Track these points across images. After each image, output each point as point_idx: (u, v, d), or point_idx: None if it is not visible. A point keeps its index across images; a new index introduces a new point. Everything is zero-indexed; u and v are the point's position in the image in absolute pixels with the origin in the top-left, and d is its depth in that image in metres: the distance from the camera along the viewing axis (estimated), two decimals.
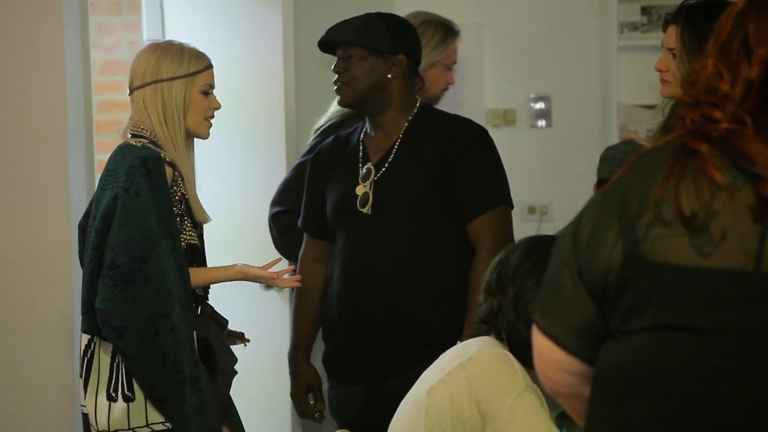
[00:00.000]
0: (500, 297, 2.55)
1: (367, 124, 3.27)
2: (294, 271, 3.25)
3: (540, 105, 4.64)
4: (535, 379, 2.56)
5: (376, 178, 3.18)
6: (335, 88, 3.22)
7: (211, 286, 3.06)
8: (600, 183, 3.97)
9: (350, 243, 3.20)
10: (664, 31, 2.96)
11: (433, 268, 3.14)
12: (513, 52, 4.64)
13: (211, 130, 3.09)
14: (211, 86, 3.04)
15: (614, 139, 4.54)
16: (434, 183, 3.14)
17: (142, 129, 2.98)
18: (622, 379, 1.56)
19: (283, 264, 3.43)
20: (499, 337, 2.56)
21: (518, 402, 2.43)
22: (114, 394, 2.88)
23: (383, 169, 3.19)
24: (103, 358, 2.90)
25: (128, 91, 3.04)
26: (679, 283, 1.50)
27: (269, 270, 3.03)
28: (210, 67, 3.04)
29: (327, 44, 3.22)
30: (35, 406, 3.82)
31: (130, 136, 3.00)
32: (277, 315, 4.18)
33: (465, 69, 4.46)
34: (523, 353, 2.54)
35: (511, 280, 2.55)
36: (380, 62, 3.16)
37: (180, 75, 2.97)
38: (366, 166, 3.21)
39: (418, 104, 3.25)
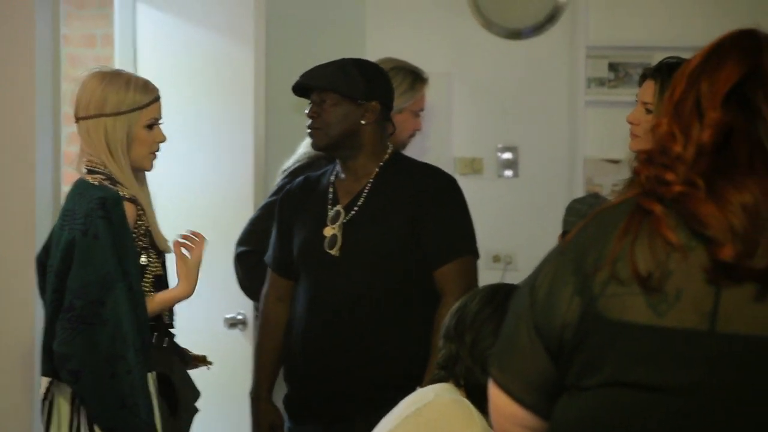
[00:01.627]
0: (458, 343, 2.56)
1: (338, 167, 3.29)
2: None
3: (507, 155, 4.68)
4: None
5: (345, 221, 3.20)
6: (308, 131, 3.24)
7: (175, 317, 3.05)
8: (565, 234, 4.00)
9: (316, 284, 3.21)
10: (640, 85, 2.99)
11: (397, 312, 3.16)
12: (481, 102, 4.68)
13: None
14: (157, 119, 2.96)
15: (580, 192, 4.58)
16: (403, 229, 3.16)
17: (96, 164, 2.91)
18: None
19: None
20: (457, 384, 2.57)
21: None
22: None
23: (352, 212, 3.21)
24: (62, 402, 2.87)
25: (74, 119, 2.95)
26: (634, 340, 1.51)
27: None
28: (157, 99, 2.96)
29: (301, 88, 3.25)
30: None
31: (85, 171, 2.93)
32: (238, 354, 4.17)
33: (433, 117, 4.50)
34: (479, 399, 2.54)
35: (469, 327, 2.56)
36: (354, 108, 3.19)
37: (124, 111, 2.89)
38: (335, 209, 3.23)
39: (389, 150, 3.29)
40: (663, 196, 1.54)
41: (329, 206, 3.24)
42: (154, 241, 2.96)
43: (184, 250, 3.02)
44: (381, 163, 3.25)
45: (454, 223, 3.21)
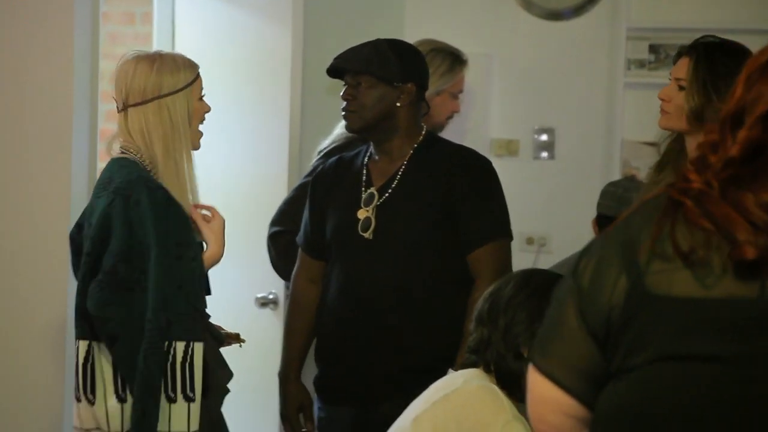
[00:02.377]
0: (491, 327, 2.55)
1: (372, 149, 3.28)
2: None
3: (544, 137, 4.65)
4: (522, 412, 2.56)
5: (378, 203, 3.19)
6: (343, 114, 3.22)
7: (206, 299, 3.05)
8: (599, 218, 3.97)
9: (348, 266, 3.20)
10: (675, 63, 2.96)
11: (430, 295, 3.15)
12: (519, 83, 4.65)
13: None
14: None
15: (616, 175, 4.55)
16: (436, 212, 3.15)
17: (130, 150, 2.90)
18: (623, 419, 1.57)
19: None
20: (487, 369, 2.56)
21: (506, 431, 2.42)
22: (123, 395, 2.84)
23: (386, 194, 3.20)
24: (105, 364, 2.85)
25: (119, 107, 2.93)
26: (683, 314, 1.53)
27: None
28: (199, 72, 2.99)
29: (336, 70, 3.23)
30: (25, 418, 3.81)
31: (120, 152, 2.92)
32: (268, 333, 4.18)
33: (471, 98, 4.48)
34: (510, 385, 2.54)
35: (503, 312, 2.55)
36: (389, 91, 3.17)
37: (181, 87, 2.90)
38: (369, 191, 3.21)
39: (424, 132, 3.27)
40: (686, 191, 1.57)
41: (363, 188, 3.23)
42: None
43: (205, 212, 3.01)
44: (415, 145, 3.23)
45: (488, 206, 3.19)
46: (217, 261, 2.99)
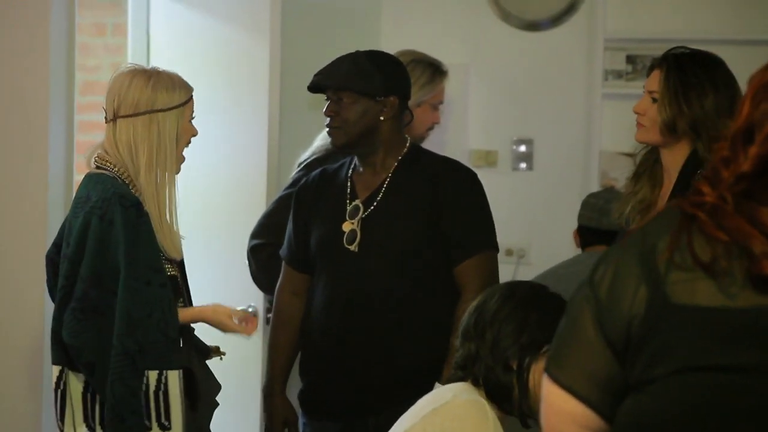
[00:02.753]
0: (478, 342, 2.54)
1: (356, 161, 3.25)
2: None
3: (522, 148, 4.65)
4: (505, 428, 2.55)
5: (364, 216, 3.17)
6: (327, 130, 3.20)
7: None
8: (580, 229, 3.98)
9: (334, 279, 3.17)
10: (648, 75, 2.98)
11: (416, 308, 3.13)
12: (498, 94, 4.65)
13: (192, 162, 3.05)
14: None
15: (594, 185, 4.55)
16: (423, 224, 3.13)
17: (107, 162, 2.90)
18: (646, 431, 1.55)
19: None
20: (475, 383, 2.55)
21: None
22: (93, 424, 2.83)
23: (372, 207, 3.18)
24: (75, 388, 2.85)
25: (108, 117, 2.93)
26: (708, 324, 1.51)
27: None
28: (192, 95, 3.01)
29: (317, 86, 3.21)
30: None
31: (95, 166, 2.91)
32: (248, 347, 4.14)
33: (449, 109, 4.46)
34: (500, 399, 2.53)
35: (489, 325, 2.54)
36: (372, 105, 3.15)
37: (175, 105, 2.91)
38: (354, 203, 3.19)
39: (408, 144, 3.25)
40: (700, 205, 1.56)
41: (348, 200, 3.20)
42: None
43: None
44: (399, 157, 3.21)
45: (474, 217, 3.18)
46: (189, 318, 2.97)
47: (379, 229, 3.14)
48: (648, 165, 2.96)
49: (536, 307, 2.55)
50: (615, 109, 4.56)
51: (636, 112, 2.95)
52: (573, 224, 4.23)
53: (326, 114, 3.17)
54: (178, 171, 2.98)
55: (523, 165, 4.66)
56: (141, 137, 2.88)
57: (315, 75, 3.19)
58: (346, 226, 3.16)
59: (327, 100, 3.18)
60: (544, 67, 4.62)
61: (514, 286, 2.65)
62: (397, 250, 3.13)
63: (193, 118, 2.99)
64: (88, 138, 5.29)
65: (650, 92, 2.91)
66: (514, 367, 2.52)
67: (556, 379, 1.63)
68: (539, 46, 4.62)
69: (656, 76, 2.91)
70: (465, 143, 4.63)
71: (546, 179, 4.64)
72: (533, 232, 4.60)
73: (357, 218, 3.17)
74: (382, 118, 3.15)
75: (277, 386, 3.33)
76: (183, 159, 2.98)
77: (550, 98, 4.62)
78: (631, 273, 1.56)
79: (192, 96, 2.98)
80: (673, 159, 2.89)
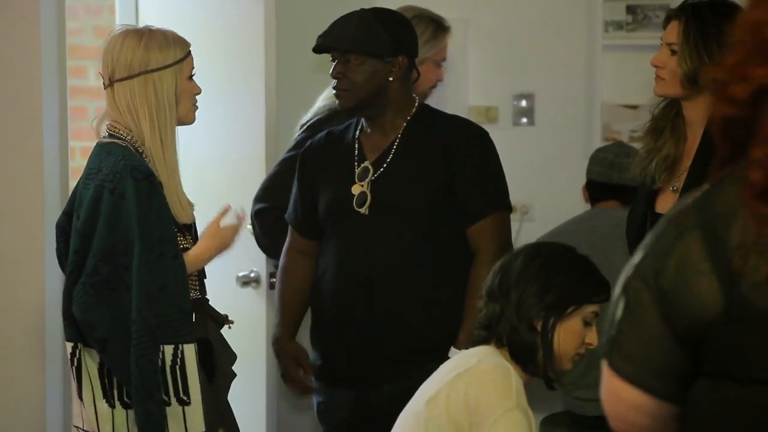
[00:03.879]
0: (503, 301, 2.51)
1: (363, 122, 3.17)
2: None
3: (523, 103, 4.59)
4: (534, 387, 2.51)
5: (374, 178, 3.09)
6: (334, 92, 3.11)
7: (206, 285, 2.96)
8: (589, 184, 3.92)
9: (345, 243, 3.10)
10: (665, 27, 2.91)
11: (430, 271, 3.07)
12: (497, 49, 4.58)
13: (188, 128, 2.98)
14: (193, 70, 2.92)
15: (597, 139, 4.50)
16: (435, 185, 3.07)
17: (119, 130, 2.83)
18: (747, 421, 1.48)
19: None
20: (499, 344, 2.52)
21: (503, 419, 2.38)
22: (112, 400, 2.77)
23: (382, 168, 3.10)
24: (90, 366, 2.80)
25: (105, 83, 2.86)
26: None
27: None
28: (190, 51, 2.92)
29: (322, 48, 3.11)
30: (3, 409, 3.70)
31: (107, 135, 2.85)
32: (251, 313, 4.09)
33: (448, 65, 4.38)
34: (524, 359, 2.51)
35: (514, 285, 2.51)
36: (380, 65, 3.07)
37: (170, 63, 2.83)
38: (363, 165, 3.12)
39: (416, 103, 3.17)
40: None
41: (356, 162, 3.13)
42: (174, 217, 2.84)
43: (228, 219, 2.92)
44: (408, 117, 3.14)
45: (487, 177, 3.11)
46: (200, 263, 2.89)
47: (390, 191, 3.07)
48: (668, 119, 2.88)
49: (562, 268, 2.52)
50: (616, 61, 4.50)
51: (654, 65, 2.87)
52: (576, 178, 4.18)
53: (333, 76, 3.09)
54: (191, 120, 2.92)
55: (524, 120, 4.59)
56: (139, 99, 2.81)
57: (320, 36, 3.10)
58: (356, 189, 3.09)
59: (333, 60, 3.09)
60: (543, 20, 4.55)
61: (540, 246, 2.64)
62: (409, 212, 3.06)
63: (193, 75, 2.91)
64: (74, 103, 5.21)
65: (669, 44, 2.84)
66: (539, 327, 2.50)
67: (620, 372, 1.55)
68: None
69: (674, 27, 2.83)
70: (465, 100, 4.56)
71: (548, 134, 4.58)
72: (536, 187, 4.55)
73: (367, 180, 3.09)
74: (390, 78, 3.07)
75: (286, 335, 3.24)
76: (195, 108, 2.92)
77: (550, 52, 4.55)
78: (701, 269, 1.46)
79: (189, 52, 2.90)
80: (697, 112, 2.82)
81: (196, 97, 2.93)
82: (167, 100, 2.83)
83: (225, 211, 2.95)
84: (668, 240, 1.51)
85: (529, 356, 2.50)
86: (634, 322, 1.53)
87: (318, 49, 3.11)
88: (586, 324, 2.52)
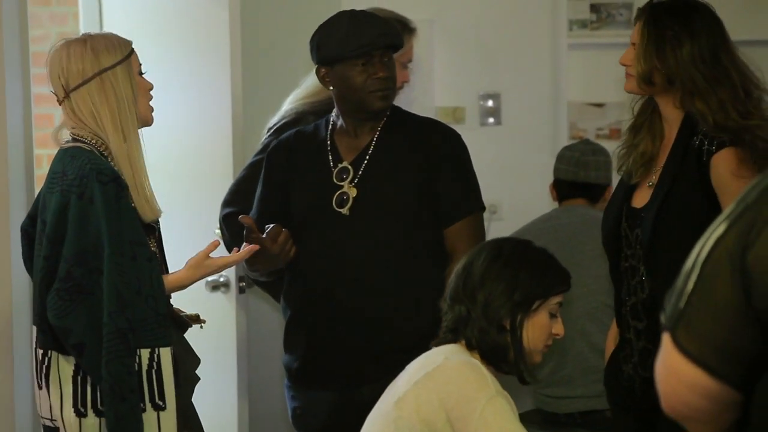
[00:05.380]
0: (468, 303, 2.51)
1: (338, 123, 3.16)
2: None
3: (489, 102, 4.60)
4: (504, 385, 2.51)
5: (353, 178, 3.09)
6: (380, 93, 3.06)
7: None
8: (557, 182, 3.94)
9: (324, 244, 3.09)
10: (635, 24, 2.93)
11: (408, 272, 3.06)
12: (462, 49, 4.59)
13: (154, 131, 2.97)
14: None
15: (564, 138, 4.52)
16: (415, 185, 3.07)
17: (81, 136, 2.83)
18: None
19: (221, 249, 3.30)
20: (468, 346, 2.52)
21: (489, 408, 2.38)
22: (83, 409, 2.75)
23: (361, 169, 3.10)
24: (65, 372, 2.78)
25: (59, 97, 2.85)
26: None
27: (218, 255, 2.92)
28: (133, 48, 2.92)
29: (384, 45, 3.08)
30: None
31: (70, 140, 2.84)
32: (221, 317, 4.07)
33: (413, 66, 4.39)
34: (496, 360, 2.51)
35: (479, 286, 2.51)
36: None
37: (120, 59, 2.83)
38: (341, 165, 3.11)
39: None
40: None
41: (331, 163, 3.12)
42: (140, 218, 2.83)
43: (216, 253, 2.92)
44: (384, 119, 3.14)
45: (463, 179, 3.13)
46: (176, 288, 2.90)
47: (370, 192, 3.07)
48: (646, 115, 2.90)
49: (525, 265, 2.53)
50: (581, 60, 4.53)
51: (623, 64, 2.90)
52: (544, 177, 4.19)
53: (380, 76, 3.04)
54: (150, 122, 2.91)
55: (491, 120, 4.61)
56: (100, 102, 2.81)
57: (382, 35, 3.05)
58: (335, 190, 3.08)
59: (361, 62, 3.04)
60: (508, 19, 4.57)
61: (500, 244, 2.62)
62: (390, 213, 3.06)
63: (143, 73, 2.91)
64: (41, 111, 5.17)
65: (633, 44, 2.87)
66: (508, 326, 2.49)
67: (685, 350, 1.48)
68: None
69: (637, 27, 2.86)
70: (431, 100, 4.57)
71: (515, 133, 4.60)
72: (504, 187, 4.56)
73: (346, 180, 3.09)
74: None
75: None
76: (151, 108, 2.92)
77: (515, 51, 4.57)
78: None
79: (133, 49, 2.90)
80: (669, 109, 2.84)
81: (153, 95, 2.93)
82: (125, 97, 2.83)
83: (214, 247, 2.93)
84: (752, 210, 1.45)
85: (502, 356, 2.51)
86: (708, 296, 1.47)
87: (384, 46, 3.06)
88: (552, 316, 2.54)
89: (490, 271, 2.51)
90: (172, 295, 3.00)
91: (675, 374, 1.50)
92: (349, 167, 3.10)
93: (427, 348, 2.73)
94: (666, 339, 1.50)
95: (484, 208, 3.18)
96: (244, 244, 3.01)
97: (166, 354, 2.75)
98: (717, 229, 1.48)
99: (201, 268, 2.90)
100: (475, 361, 2.47)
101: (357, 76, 3.04)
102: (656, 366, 1.53)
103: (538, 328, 2.52)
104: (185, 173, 4.16)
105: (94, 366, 2.70)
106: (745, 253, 1.44)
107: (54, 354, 2.78)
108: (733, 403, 1.50)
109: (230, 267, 2.99)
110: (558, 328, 2.55)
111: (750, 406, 1.49)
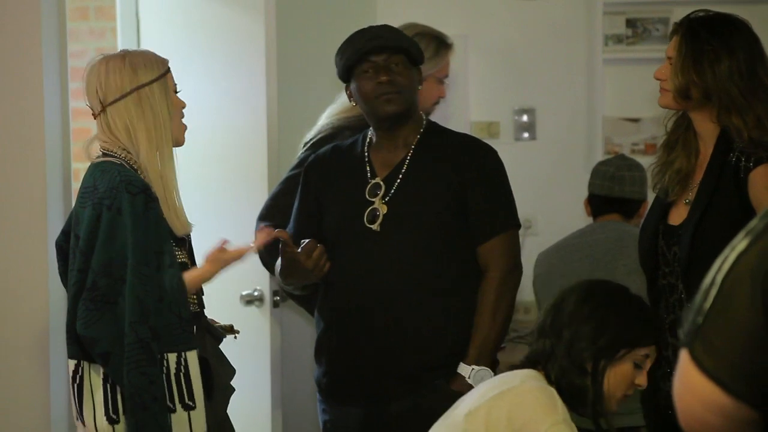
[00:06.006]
0: (554, 339, 2.50)
1: (375, 137, 3.16)
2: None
3: (524, 117, 4.60)
4: (575, 421, 2.49)
5: (386, 194, 3.09)
6: (384, 97, 3.05)
7: (204, 300, 2.97)
8: (591, 198, 3.92)
9: (355, 259, 3.08)
10: (670, 40, 2.92)
11: (442, 288, 3.05)
12: (497, 64, 4.59)
13: (190, 147, 2.98)
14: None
15: (599, 152, 4.50)
16: (448, 202, 3.06)
17: (112, 150, 2.84)
18: None
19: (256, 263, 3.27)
20: (548, 379, 2.51)
21: (552, 431, 2.37)
22: (114, 416, 2.77)
23: (395, 185, 3.10)
24: (95, 381, 2.80)
25: (95, 111, 2.86)
26: None
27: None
28: (169, 66, 2.95)
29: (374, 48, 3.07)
30: (8, 426, 3.70)
31: (100, 155, 2.86)
32: (255, 331, 4.09)
33: (450, 81, 4.40)
34: (572, 400, 2.49)
35: (566, 325, 2.50)
36: (416, 73, 3.11)
37: (157, 77, 2.85)
38: (374, 181, 3.11)
39: (425, 120, 3.18)
40: None
41: (367, 178, 3.12)
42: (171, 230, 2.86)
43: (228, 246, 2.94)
44: (419, 134, 3.14)
45: (499, 196, 3.11)
46: (198, 284, 2.92)
47: (401, 208, 3.06)
48: (680, 132, 2.88)
49: (615, 311, 2.51)
50: (616, 75, 4.52)
51: (657, 78, 2.88)
52: (579, 192, 4.18)
53: (382, 80, 3.04)
54: (181, 143, 2.93)
55: (526, 135, 4.60)
56: (137, 117, 2.83)
57: (369, 39, 3.05)
58: (367, 205, 3.08)
59: (365, 71, 3.05)
60: (544, 34, 4.56)
61: (594, 285, 2.61)
62: (421, 229, 3.05)
63: (178, 91, 2.93)
64: (78, 125, 5.22)
65: (669, 58, 2.85)
66: (589, 369, 2.48)
67: (702, 366, 1.45)
68: (537, 14, 4.56)
69: (674, 41, 2.85)
70: (466, 115, 4.57)
71: (549, 148, 4.59)
72: (539, 202, 4.56)
73: (378, 196, 3.09)
74: (420, 87, 3.10)
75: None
76: (184, 127, 2.94)
77: (550, 66, 4.57)
78: None
79: (169, 68, 2.92)
80: (704, 124, 2.82)
81: (185, 114, 2.94)
82: (161, 114, 2.85)
83: (224, 244, 2.95)
84: None
85: (579, 398, 2.48)
86: (726, 312, 1.44)
87: (374, 49, 3.06)
88: (637, 366, 2.51)
89: (580, 311, 2.50)
90: (207, 306, 3.02)
91: (691, 391, 1.47)
92: (382, 183, 3.10)
93: (455, 364, 2.72)
94: (684, 355, 1.48)
95: (519, 226, 3.16)
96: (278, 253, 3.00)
97: (192, 357, 2.78)
98: (739, 245, 1.46)
99: (219, 261, 2.92)
100: (551, 389, 2.46)
101: (365, 85, 3.06)
102: (674, 382, 1.51)
103: (621, 377, 2.49)
104: (221, 187, 4.18)
105: (121, 374, 2.72)
106: (766, 278, 1.41)
107: (85, 364, 2.81)
108: (749, 422, 1.47)
109: (247, 254, 2.99)
110: (641, 380, 2.51)
111: (767, 426, 1.46)
